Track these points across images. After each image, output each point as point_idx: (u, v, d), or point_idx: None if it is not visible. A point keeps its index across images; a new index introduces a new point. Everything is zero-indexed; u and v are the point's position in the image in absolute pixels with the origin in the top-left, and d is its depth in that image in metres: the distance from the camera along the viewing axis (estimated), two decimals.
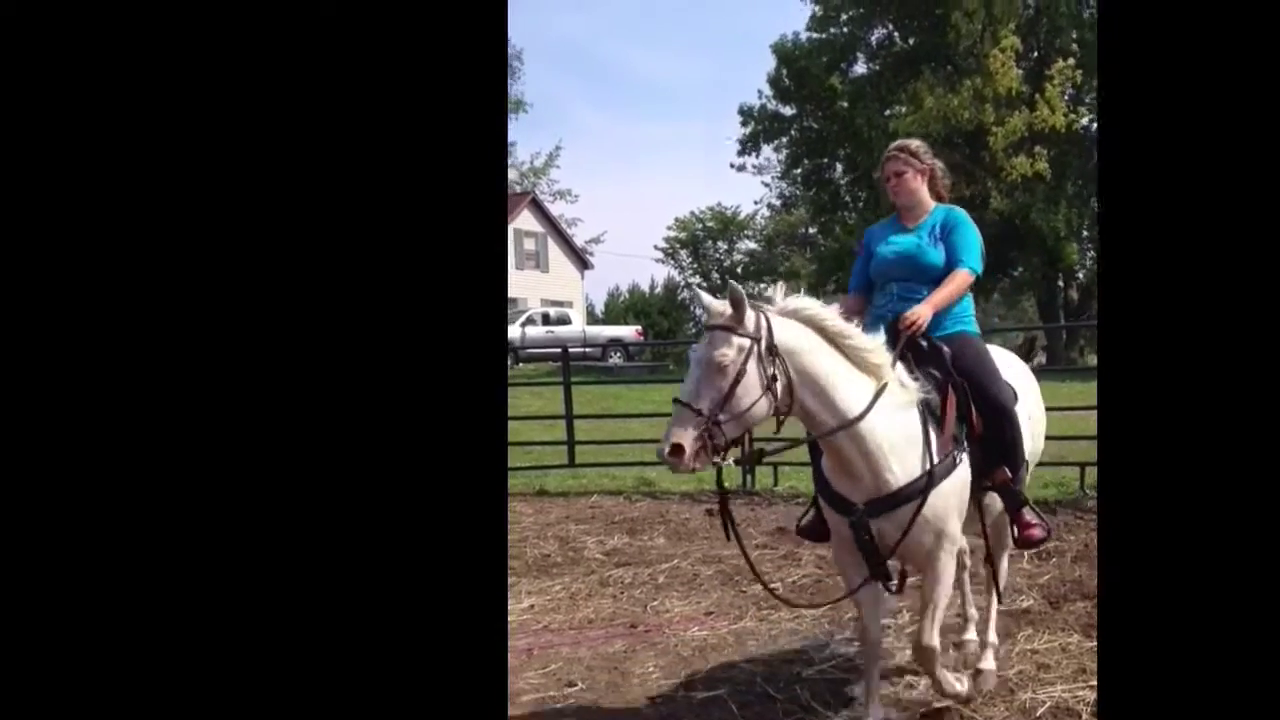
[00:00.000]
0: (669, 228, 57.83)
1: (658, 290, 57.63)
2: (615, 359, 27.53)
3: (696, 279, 54.30)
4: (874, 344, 3.53)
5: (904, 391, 3.57)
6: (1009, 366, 4.15)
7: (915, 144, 4.16)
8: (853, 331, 3.50)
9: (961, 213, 4.04)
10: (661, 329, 46.21)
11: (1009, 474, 3.76)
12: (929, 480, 3.52)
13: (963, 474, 3.66)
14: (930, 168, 4.09)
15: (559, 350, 15.32)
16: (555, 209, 44.23)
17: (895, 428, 3.50)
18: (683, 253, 57.50)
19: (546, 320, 29.65)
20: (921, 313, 3.75)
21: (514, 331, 26.20)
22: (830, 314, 3.50)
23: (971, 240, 3.95)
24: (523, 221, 37.35)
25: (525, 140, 63.80)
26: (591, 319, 41.96)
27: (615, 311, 48.76)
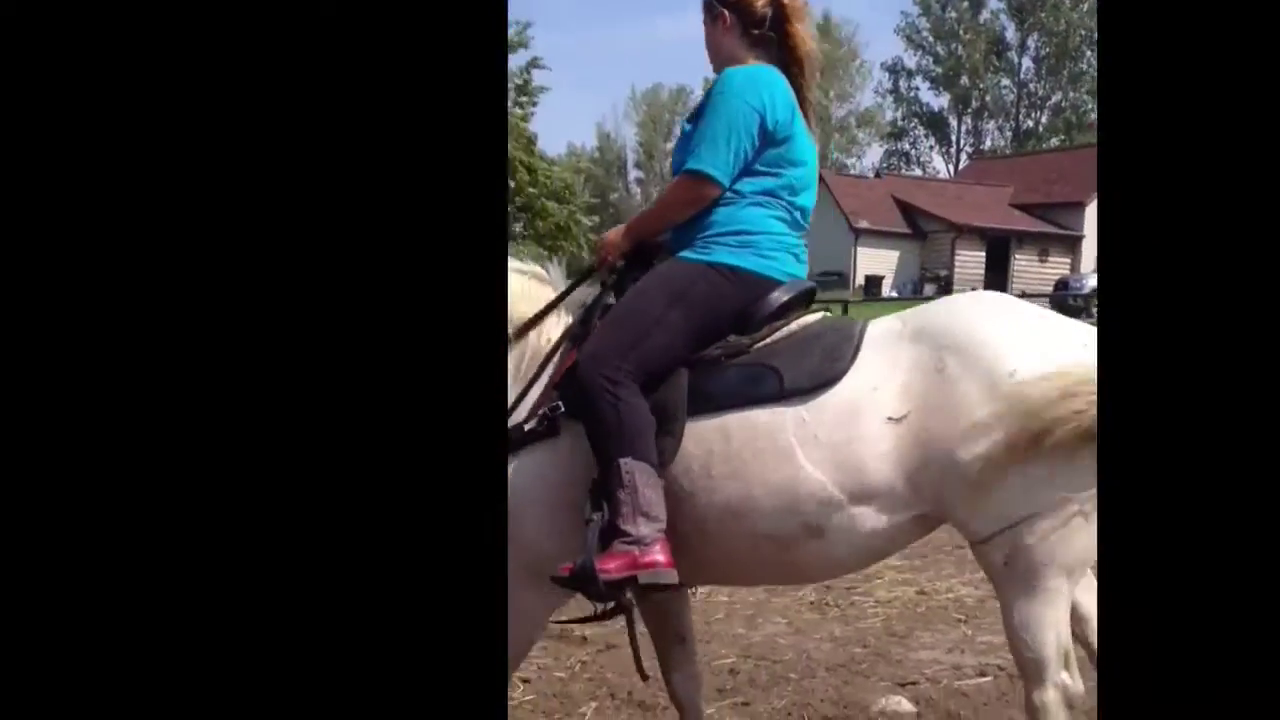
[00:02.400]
0: None
1: None
2: None
3: None
4: (523, 288, 2.60)
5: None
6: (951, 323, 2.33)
7: None
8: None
9: (729, 76, 2.45)
10: None
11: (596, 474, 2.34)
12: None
13: (545, 458, 2.41)
14: (737, 3, 2.51)
15: None
16: None
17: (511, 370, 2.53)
18: None
19: None
20: (608, 238, 2.62)
21: None
22: None
23: (713, 124, 2.41)
24: None
25: None
26: None
27: None
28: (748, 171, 2.42)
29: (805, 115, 2.46)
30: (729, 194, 2.42)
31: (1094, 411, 1.90)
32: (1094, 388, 1.80)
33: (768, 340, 2.41)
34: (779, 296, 2.42)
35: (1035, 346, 2.21)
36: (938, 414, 2.20)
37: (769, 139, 2.40)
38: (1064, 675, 2.20)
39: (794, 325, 2.44)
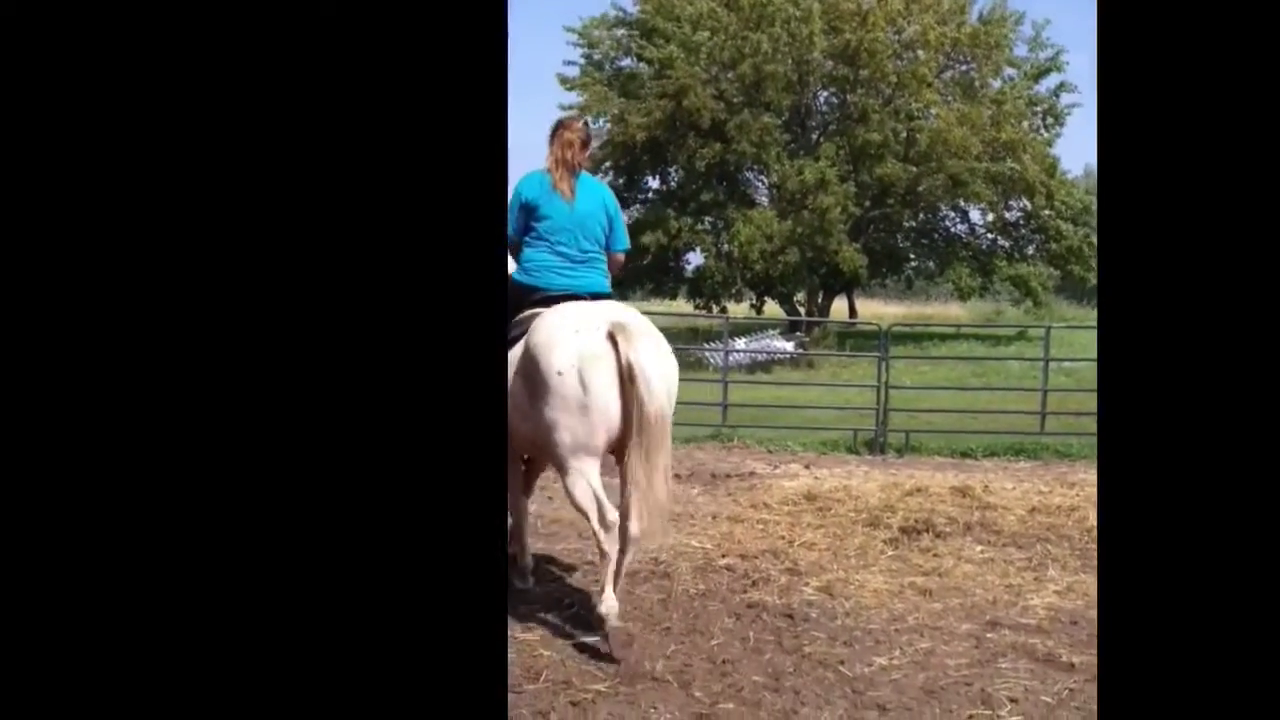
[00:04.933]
0: None
1: None
2: None
3: None
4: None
5: None
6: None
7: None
8: None
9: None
10: None
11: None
12: None
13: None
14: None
15: None
16: None
17: None
18: None
19: None
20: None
21: None
22: None
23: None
24: None
25: None
26: None
27: None
28: (527, 230, 4.26)
29: (563, 192, 4.20)
30: (525, 242, 4.27)
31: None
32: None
33: (524, 315, 4.09)
34: (537, 296, 4.16)
35: (557, 326, 3.80)
36: (517, 365, 3.88)
37: (524, 208, 4.25)
38: (602, 512, 3.74)
39: (530, 311, 4.09)
